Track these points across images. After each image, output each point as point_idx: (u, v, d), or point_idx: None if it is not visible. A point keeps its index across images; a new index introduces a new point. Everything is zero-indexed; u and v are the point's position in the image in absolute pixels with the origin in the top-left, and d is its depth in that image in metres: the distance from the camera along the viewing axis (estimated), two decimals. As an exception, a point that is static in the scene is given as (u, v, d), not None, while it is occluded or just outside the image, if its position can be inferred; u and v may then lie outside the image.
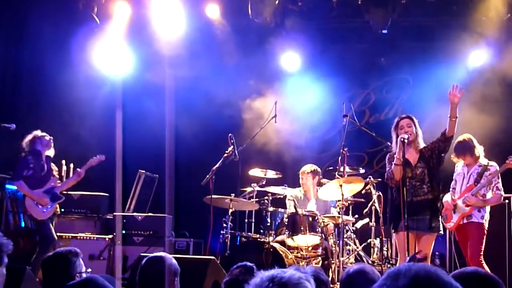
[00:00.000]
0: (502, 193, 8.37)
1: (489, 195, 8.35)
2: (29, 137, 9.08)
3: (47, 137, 9.17)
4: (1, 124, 9.35)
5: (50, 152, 9.25)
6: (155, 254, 4.84)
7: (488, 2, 10.94)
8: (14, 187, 9.33)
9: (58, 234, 9.64)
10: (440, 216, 7.74)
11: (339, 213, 9.44)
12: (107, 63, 11.89)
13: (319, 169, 10.11)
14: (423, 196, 7.68)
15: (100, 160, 9.43)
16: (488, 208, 8.42)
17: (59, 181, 9.21)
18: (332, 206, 10.00)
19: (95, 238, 9.73)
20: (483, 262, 8.15)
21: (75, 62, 11.43)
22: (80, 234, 9.80)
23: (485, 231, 8.31)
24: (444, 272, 1.69)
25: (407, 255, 7.42)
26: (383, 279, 1.73)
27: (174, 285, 4.57)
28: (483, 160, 8.44)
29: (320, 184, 10.06)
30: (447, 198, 8.75)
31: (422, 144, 7.98)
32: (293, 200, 9.73)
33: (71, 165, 10.19)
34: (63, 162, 10.21)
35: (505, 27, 10.98)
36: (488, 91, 11.00)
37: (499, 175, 8.30)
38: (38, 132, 9.13)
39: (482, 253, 8.20)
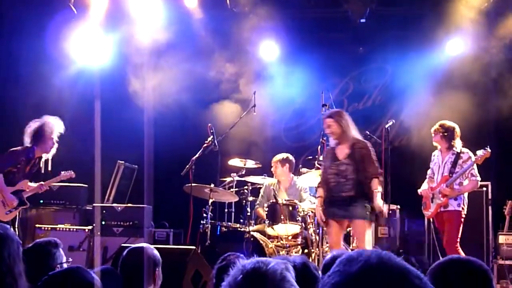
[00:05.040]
0: (478, 178, 8.47)
1: (465, 182, 8.45)
2: (36, 127, 8.59)
3: (54, 136, 8.69)
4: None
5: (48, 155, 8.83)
6: (136, 245, 4.83)
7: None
8: None
9: (37, 225, 9.59)
10: (367, 208, 7.76)
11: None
12: (84, 53, 11.81)
13: (290, 157, 10.04)
14: (347, 192, 7.78)
15: (70, 176, 9.04)
16: (466, 195, 8.52)
17: (30, 184, 8.86)
18: (311, 195, 10.01)
19: (74, 230, 9.68)
20: (459, 248, 8.25)
21: (51, 52, 11.33)
22: (59, 226, 9.74)
23: (462, 218, 8.41)
24: (397, 257, 1.69)
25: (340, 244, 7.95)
26: (335, 266, 1.72)
27: (155, 275, 4.56)
28: (457, 148, 8.51)
29: (299, 173, 10.09)
30: (424, 186, 8.85)
31: (357, 136, 8.05)
32: (273, 189, 9.74)
33: (49, 160, 9.97)
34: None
35: (482, 16, 11.04)
36: (465, 78, 11.08)
37: (478, 162, 8.37)
38: (49, 126, 8.63)
39: (458, 240, 8.31)
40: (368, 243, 7.88)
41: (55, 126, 8.68)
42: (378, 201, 7.73)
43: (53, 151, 8.76)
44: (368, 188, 7.79)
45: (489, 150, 8.25)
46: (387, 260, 1.65)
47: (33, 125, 8.62)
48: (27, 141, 8.60)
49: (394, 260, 1.65)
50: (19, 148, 8.62)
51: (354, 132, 8.06)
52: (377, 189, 7.76)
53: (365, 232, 7.89)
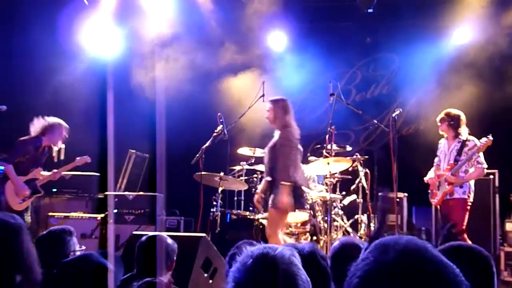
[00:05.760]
0: (485, 166, 8.49)
1: (471, 170, 8.45)
2: (46, 122, 8.71)
3: (64, 133, 8.82)
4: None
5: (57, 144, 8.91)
6: (153, 233, 4.90)
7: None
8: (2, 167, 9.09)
9: (50, 213, 9.65)
10: (278, 195, 7.88)
11: (326, 190, 9.53)
12: (97, 44, 11.86)
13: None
14: (266, 178, 8.13)
15: (85, 161, 9.18)
16: (472, 183, 8.53)
17: (42, 173, 8.97)
18: (319, 183, 10.06)
19: (86, 218, 9.74)
20: (465, 236, 8.26)
21: (64, 43, 11.39)
22: (72, 214, 9.80)
23: (468, 206, 8.42)
24: (432, 246, 1.63)
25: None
26: (369, 251, 1.67)
27: (172, 263, 4.65)
28: (463, 136, 8.52)
29: (307, 162, 10.11)
30: (430, 174, 8.87)
31: (289, 126, 8.18)
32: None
33: (62, 149, 10.02)
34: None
35: (488, 5, 11.02)
36: (471, 66, 11.07)
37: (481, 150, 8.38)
38: (59, 122, 8.77)
39: (464, 227, 8.32)
40: (273, 233, 7.94)
41: (63, 123, 8.77)
42: (280, 195, 7.80)
43: (61, 144, 8.84)
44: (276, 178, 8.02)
45: (491, 138, 8.25)
46: (424, 252, 1.61)
47: (41, 119, 8.72)
48: (35, 131, 8.69)
49: (431, 252, 1.61)
50: (26, 137, 8.69)
51: (289, 122, 8.22)
52: (283, 182, 7.84)
53: (273, 220, 8.04)
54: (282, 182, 7.82)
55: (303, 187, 8.29)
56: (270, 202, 7.96)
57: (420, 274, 1.55)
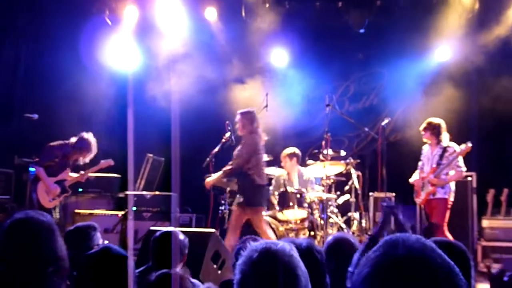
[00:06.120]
0: (463, 169, 8.53)
1: (451, 173, 8.48)
2: (82, 136, 8.77)
3: (91, 152, 8.83)
4: (25, 115, 9.33)
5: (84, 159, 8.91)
6: (168, 229, 4.91)
7: (451, 6, 11.07)
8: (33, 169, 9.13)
9: (76, 210, 9.67)
10: (241, 194, 8.43)
11: (323, 191, 9.56)
12: (118, 59, 11.90)
13: (297, 151, 10.13)
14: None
15: (109, 164, 9.21)
16: (452, 184, 8.56)
17: (71, 174, 9.02)
18: (317, 184, 10.07)
19: (109, 214, 9.75)
20: (446, 232, 8.29)
21: (88, 59, 11.38)
22: (96, 211, 9.81)
23: (449, 205, 8.46)
24: (436, 247, 1.63)
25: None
26: (380, 246, 1.65)
27: (184, 256, 4.67)
28: (445, 143, 8.56)
29: (306, 165, 10.13)
30: (415, 177, 8.89)
31: (253, 136, 8.51)
32: (283, 180, 9.80)
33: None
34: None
35: (466, 26, 11.07)
36: (451, 81, 11.11)
37: (460, 155, 8.41)
38: (90, 142, 8.80)
39: (445, 224, 8.35)
40: (233, 227, 8.35)
41: (93, 144, 8.80)
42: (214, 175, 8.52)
43: (85, 160, 8.88)
44: (238, 180, 8.53)
45: (470, 145, 8.30)
46: (430, 249, 1.61)
47: (83, 134, 8.78)
48: (70, 141, 8.75)
49: (437, 251, 1.61)
50: (56, 143, 8.75)
51: (255, 130, 8.54)
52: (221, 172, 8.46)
53: (235, 218, 8.41)
54: (223, 169, 8.31)
55: (266, 187, 8.84)
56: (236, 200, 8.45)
57: (427, 269, 1.55)
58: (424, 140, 8.81)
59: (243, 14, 11.63)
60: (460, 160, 8.45)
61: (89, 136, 8.80)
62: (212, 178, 8.60)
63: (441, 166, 8.43)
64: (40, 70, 12.01)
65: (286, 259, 2.21)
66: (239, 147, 8.56)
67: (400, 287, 1.54)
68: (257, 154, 8.49)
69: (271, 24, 11.55)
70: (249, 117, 8.59)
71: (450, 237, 7.84)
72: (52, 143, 8.75)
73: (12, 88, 11.69)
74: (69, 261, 3.54)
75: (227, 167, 8.50)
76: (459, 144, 8.45)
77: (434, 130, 8.61)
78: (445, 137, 8.61)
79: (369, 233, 10.00)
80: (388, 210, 3.50)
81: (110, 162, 9.18)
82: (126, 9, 11.75)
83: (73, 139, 8.76)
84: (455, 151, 8.42)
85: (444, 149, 8.51)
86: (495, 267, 9.29)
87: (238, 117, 8.62)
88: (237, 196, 8.58)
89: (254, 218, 8.47)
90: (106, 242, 4.89)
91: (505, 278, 2.72)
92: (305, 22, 11.90)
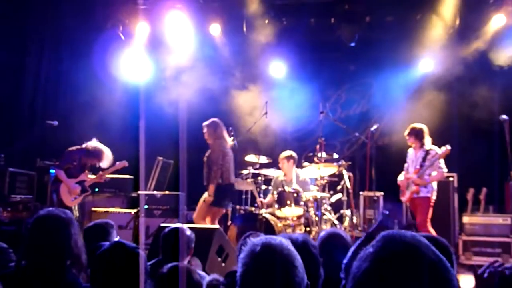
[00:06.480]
0: (445, 170, 8.55)
1: (434, 173, 8.50)
2: (96, 146, 8.78)
3: (102, 159, 8.83)
4: (46, 122, 9.36)
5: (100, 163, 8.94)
6: (176, 225, 4.92)
7: (434, 22, 11.08)
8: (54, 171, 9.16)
9: (93, 208, 9.67)
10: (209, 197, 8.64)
11: (317, 190, 9.57)
12: (130, 71, 11.93)
13: (294, 154, 10.12)
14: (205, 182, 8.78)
15: (124, 165, 9.19)
16: (435, 184, 8.57)
17: (90, 176, 9.02)
18: (312, 184, 10.07)
19: (123, 212, 9.75)
20: (430, 228, 8.29)
21: (103, 70, 11.39)
22: (111, 209, 9.81)
23: (432, 203, 8.47)
24: (429, 244, 1.63)
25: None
26: (378, 240, 1.66)
27: (191, 250, 4.67)
28: (427, 146, 8.57)
29: (302, 167, 10.14)
30: (401, 177, 8.89)
31: (219, 144, 8.78)
32: (281, 180, 9.82)
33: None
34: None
35: (448, 40, 11.09)
36: (433, 90, 11.14)
37: (441, 157, 8.42)
38: (100, 149, 8.80)
39: (429, 220, 8.36)
40: (200, 221, 8.71)
41: (104, 152, 8.83)
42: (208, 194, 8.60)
43: (104, 165, 8.90)
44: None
45: (449, 148, 8.34)
46: (425, 246, 1.61)
47: (95, 141, 8.82)
48: (86, 147, 8.79)
49: (431, 248, 1.61)
50: (74, 148, 8.84)
51: (220, 135, 8.83)
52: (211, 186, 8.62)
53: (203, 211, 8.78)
54: (210, 184, 8.53)
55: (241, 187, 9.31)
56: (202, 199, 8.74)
57: (422, 265, 1.55)
58: (409, 144, 8.83)
59: (245, 29, 11.65)
60: (442, 162, 8.47)
61: (102, 146, 8.84)
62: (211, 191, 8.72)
63: (424, 168, 8.45)
64: (60, 81, 12.05)
65: (285, 252, 2.22)
66: (207, 154, 8.81)
67: (397, 281, 1.55)
68: (225, 156, 8.70)
69: (270, 38, 11.55)
70: (212, 126, 8.87)
71: (433, 232, 7.85)
72: (70, 148, 8.83)
73: (35, 97, 11.71)
74: (87, 255, 3.55)
75: (213, 180, 8.64)
76: (440, 147, 8.47)
77: (417, 134, 8.63)
78: (427, 141, 8.62)
79: (360, 229, 10.04)
80: (386, 218, 3.51)
81: (125, 163, 9.19)
82: (138, 25, 11.77)
83: (89, 144, 8.76)
84: (436, 153, 8.43)
85: (427, 152, 8.53)
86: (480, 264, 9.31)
87: (204, 129, 8.90)
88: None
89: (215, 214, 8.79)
90: (118, 238, 4.90)
91: (485, 276, 2.71)
92: (301, 36, 11.90)
